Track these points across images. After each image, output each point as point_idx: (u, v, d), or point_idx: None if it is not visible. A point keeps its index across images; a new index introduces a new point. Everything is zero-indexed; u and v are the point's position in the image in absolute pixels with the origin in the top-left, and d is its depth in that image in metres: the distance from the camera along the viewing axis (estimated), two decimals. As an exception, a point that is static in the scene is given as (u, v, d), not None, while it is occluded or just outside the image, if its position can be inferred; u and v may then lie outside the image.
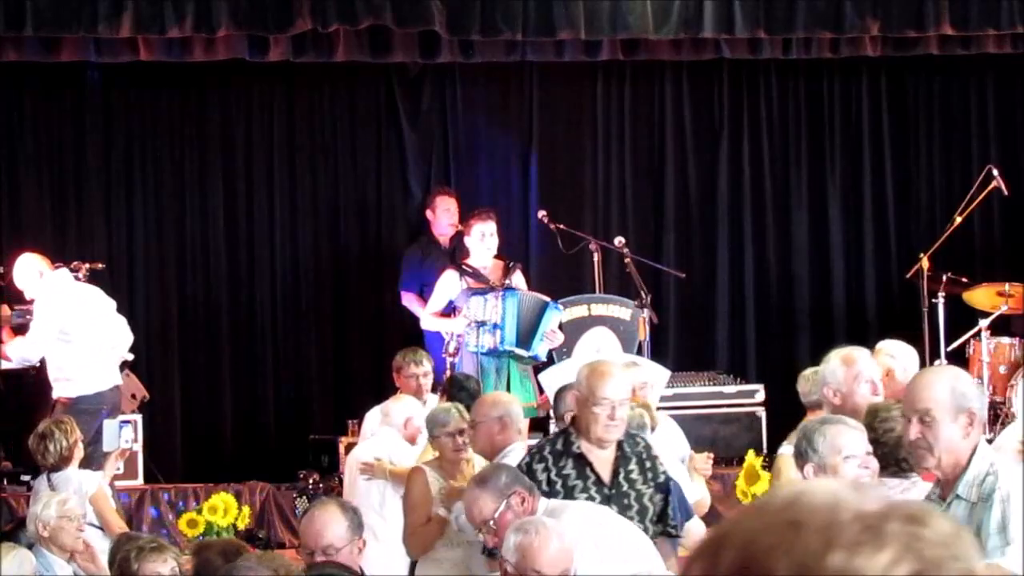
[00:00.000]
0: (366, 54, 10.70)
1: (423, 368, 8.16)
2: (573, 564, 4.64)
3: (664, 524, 5.77)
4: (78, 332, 9.03)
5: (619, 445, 5.69)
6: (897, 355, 7.50)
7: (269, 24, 10.05)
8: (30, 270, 9.17)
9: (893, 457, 4.98)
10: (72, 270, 9.53)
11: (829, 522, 1.29)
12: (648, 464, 5.76)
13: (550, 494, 5.51)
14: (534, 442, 6.71)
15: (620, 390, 5.60)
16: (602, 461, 5.67)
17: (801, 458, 4.76)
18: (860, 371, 5.98)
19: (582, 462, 5.66)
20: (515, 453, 6.31)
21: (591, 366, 5.74)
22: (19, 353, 9.23)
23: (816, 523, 1.29)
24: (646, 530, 5.58)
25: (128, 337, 9.39)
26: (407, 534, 6.47)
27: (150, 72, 11.03)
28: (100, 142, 11.44)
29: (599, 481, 5.65)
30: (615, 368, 5.73)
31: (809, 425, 4.95)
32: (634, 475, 5.71)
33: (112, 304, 9.34)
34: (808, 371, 7.47)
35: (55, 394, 9.05)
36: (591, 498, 5.58)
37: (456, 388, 7.90)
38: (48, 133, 11.34)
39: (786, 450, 7.04)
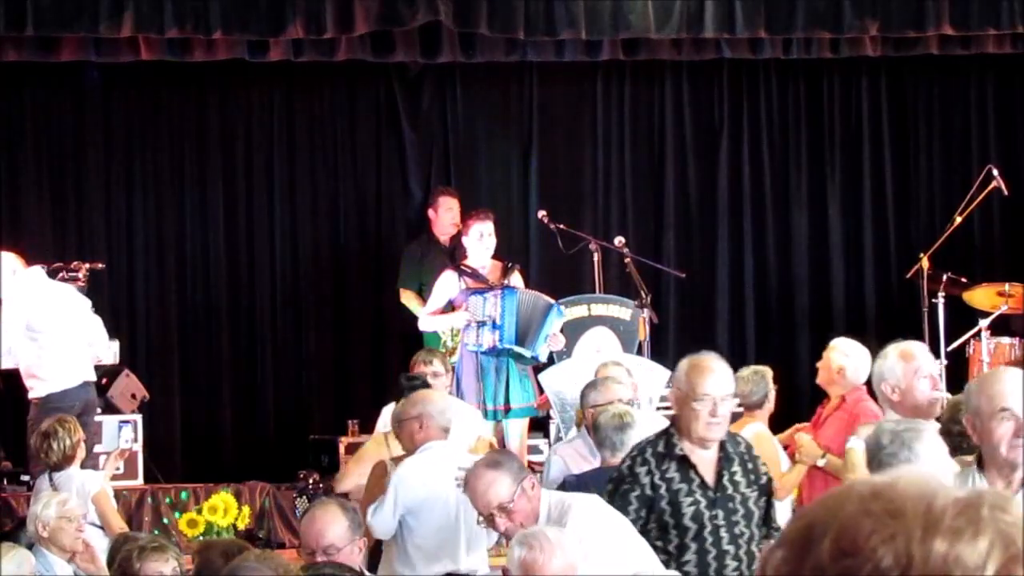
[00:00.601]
0: (367, 54, 10.70)
1: (431, 368, 8.01)
2: (578, 572, 4.62)
3: (768, 528, 5.53)
4: (45, 330, 8.98)
5: (721, 445, 5.39)
6: (850, 353, 7.56)
7: (264, 30, 10.06)
8: (6, 266, 9.12)
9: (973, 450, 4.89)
10: (72, 270, 9.54)
11: (927, 509, 1.30)
12: (750, 465, 5.48)
13: (654, 499, 5.32)
14: (457, 442, 6.73)
15: (722, 385, 5.28)
16: (705, 462, 5.38)
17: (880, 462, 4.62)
18: (919, 366, 5.82)
19: (685, 464, 5.36)
20: (431, 451, 6.34)
21: (690, 361, 5.36)
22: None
23: (915, 510, 1.30)
24: (752, 536, 5.40)
25: (102, 337, 9.32)
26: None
27: (150, 72, 11.03)
28: (100, 142, 11.44)
29: (703, 484, 5.36)
30: (715, 362, 5.36)
31: (890, 427, 4.79)
32: (738, 476, 5.44)
33: (86, 303, 9.26)
34: (746, 371, 7.50)
35: (29, 394, 9.01)
36: (696, 502, 5.35)
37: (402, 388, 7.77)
38: (48, 133, 11.34)
39: (856, 444, 7.05)
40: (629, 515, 5.27)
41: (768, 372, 7.57)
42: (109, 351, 9.51)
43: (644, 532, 5.29)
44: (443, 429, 6.45)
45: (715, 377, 5.28)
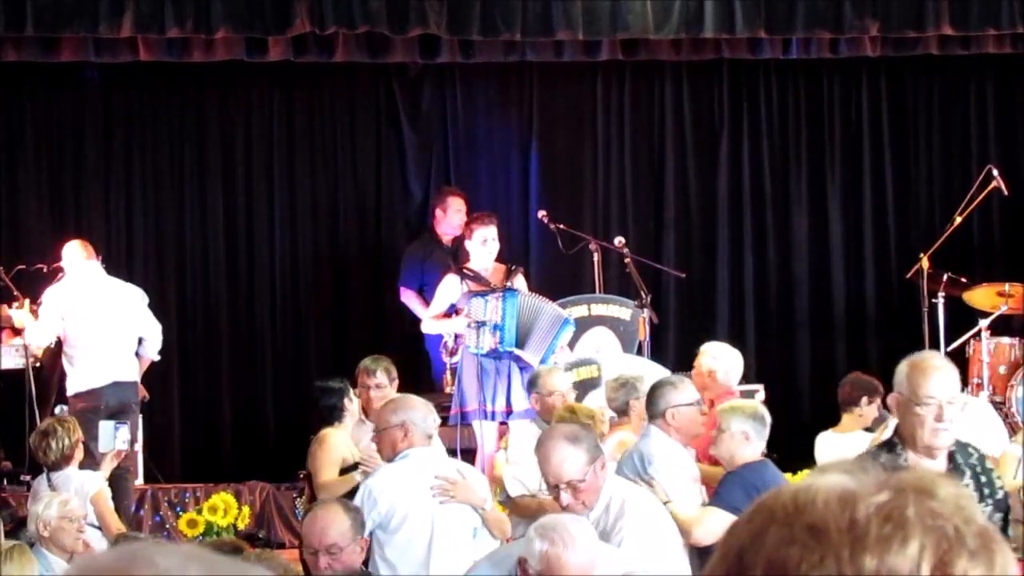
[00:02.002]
0: (365, 55, 10.70)
1: (375, 379, 7.61)
2: (598, 565, 4.59)
3: None
4: (75, 326, 9.09)
5: (950, 456, 4.84)
6: (719, 356, 7.58)
7: (268, 26, 10.05)
8: (68, 255, 9.36)
9: None
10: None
11: (851, 523, 1.26)
12: (984, 479, 4.88)
13: None
14: (439, 448, 6.70)
15: (948, 386, 4.70)
16: None
17: None
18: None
19: None
20: (412, 459, 6.15)
21: (911, 361, 4.78)
22: (29, 335, 9.41)
23: (838, 525, 1.26)
24: None
25: (152, 337, 9.37)
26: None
27: (150, 72, 11.02)
28: (100, 142, 11.44)
29: None
30: (939, 360, 4.85)
31: None
32: (970, 491, 4.76)
33: (139, 301, 9.36)
34: (613, 380, 7.49)
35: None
36: None
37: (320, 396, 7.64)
38: (48, 133, 11.34)
39: (1014, 449, 7.03)
40: None
41: (640, 379, 7.41)
42: (155, 351, 9.52)
43: None
44: (427, 436, 6.27)
45: (940, 377, 4.72)
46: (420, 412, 6.31)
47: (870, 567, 1.24)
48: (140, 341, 9.32)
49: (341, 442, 7.17)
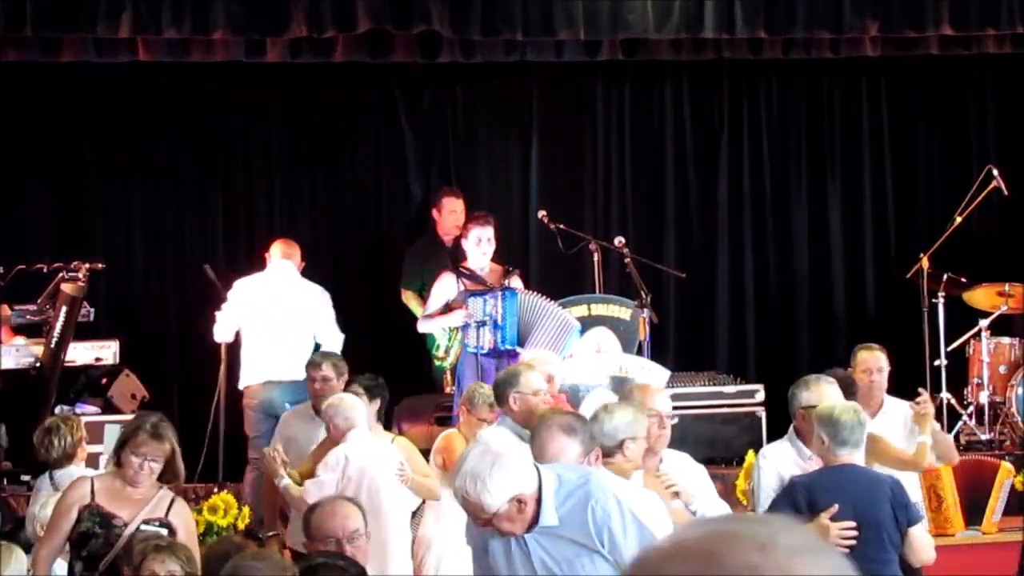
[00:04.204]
0: (365, 55, 10.69)
1: (321, 372, 7.99)
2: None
3: None
4: (253, 323, 9.42)
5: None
6: (549, 363, 7.61)
7: (265, 29, 10.05)
8: (271, 252, 9.73)
9: None
10: (72, 270, 9.53)
11: None
12: None
13: None
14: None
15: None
16: None
17: None
18: None
19: None
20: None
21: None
22: (214, 331, 9.64)
23: None
24: None
25: (328, 342, 9.51)
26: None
27: (150, 72, 11.02)
28: (100, 142, 11.44)
29: None
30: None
31: None
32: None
33: (322, 302, 9.59)
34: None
35: None
36: None
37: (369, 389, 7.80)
38: (48, 133, 11.34)
39: (924, 439, 7.07)
40: None
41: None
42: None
43: None
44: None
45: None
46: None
47: None
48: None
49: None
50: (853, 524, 5.74)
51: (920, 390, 7.48)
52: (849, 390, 7.22)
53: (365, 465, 7.13)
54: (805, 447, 6.27)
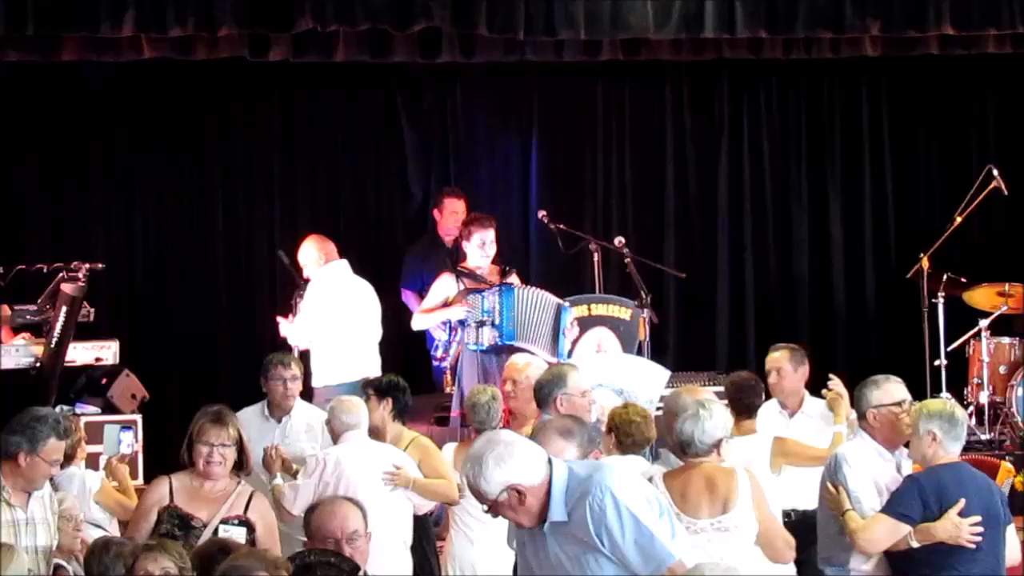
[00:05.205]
0: (366, 55, 10.68)
1: (291, 371, 7.71)
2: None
3: None
4: (335, 323, 9.34)
5: None
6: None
7: (270, 24, 10.03)
8: (311, 252, 9.62)
9: None
10: (72, 270, 9.53)
11: None
12: None
13: None
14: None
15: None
16: None
17: None
18: None
19: None
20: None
21: None
22: (291, 337, 9.61)
23: None
24: None
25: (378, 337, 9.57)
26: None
27: (150, 72, 11.01)
28: (100, 142, 11.44)
29: None
30: None
31: None
32: None
33: (369, 301, 9.56)
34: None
35: None
36: None
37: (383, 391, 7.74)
38: (48, 133, 11.33)
39: (840, 428, 7.07)
40: None
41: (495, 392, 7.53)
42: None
43: None
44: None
45: None
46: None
47: None
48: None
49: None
50: (980, 519, 5.75)
51: (831, 375, 7.46)
52: (754, 391, 7.26)
53: (345, 469, 7.06)
54: (880, 445, 6.17)
